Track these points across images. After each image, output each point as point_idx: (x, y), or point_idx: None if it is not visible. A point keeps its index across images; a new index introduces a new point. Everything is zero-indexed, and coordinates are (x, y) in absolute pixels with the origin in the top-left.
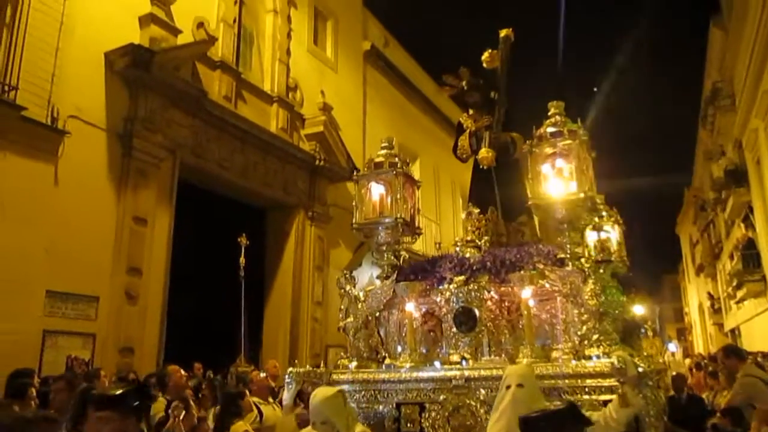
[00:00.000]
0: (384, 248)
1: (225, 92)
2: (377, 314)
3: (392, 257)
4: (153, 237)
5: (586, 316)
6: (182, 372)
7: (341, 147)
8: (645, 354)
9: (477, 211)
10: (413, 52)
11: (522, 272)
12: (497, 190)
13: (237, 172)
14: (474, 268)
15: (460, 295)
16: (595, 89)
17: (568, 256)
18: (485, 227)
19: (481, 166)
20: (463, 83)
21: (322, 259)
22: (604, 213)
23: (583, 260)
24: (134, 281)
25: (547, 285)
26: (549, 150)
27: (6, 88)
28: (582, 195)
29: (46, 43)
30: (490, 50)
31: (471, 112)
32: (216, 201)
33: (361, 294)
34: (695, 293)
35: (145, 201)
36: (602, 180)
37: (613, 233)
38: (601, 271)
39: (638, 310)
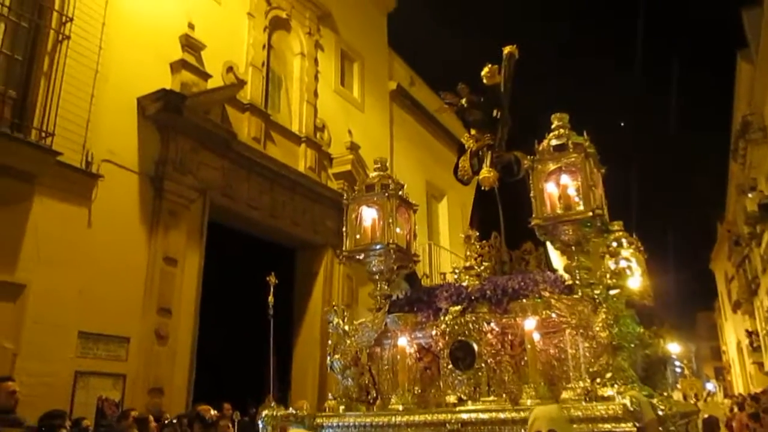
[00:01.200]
0: (377, 278)
1: (254, 134)
2: (368, 350)
3: (385, 287)
4: (183, 277)
5: (598, 350)
6: (213, 411)
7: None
8: (668, 393)
9: (476, 235)
10: (438, 89)
11: (524, 301)
12: (501, 214)
13: (266, 212)
14: (472, 297)
15: (457, 327)
16: (621, 124)
17: (577, 282)
18: (488, 254)
19: (482, 188)
20: (463, 101)
21: (351, 298)
22: (624, 240)
23: (593, 287)
24: (164, 321)
25: (554, 315)
26: (552, 165)
27: (43, 134)
28: (590, 214)
29: (81, 91)
30: (489, 65)
31: (473, 131)
32: (245, 241)
33: (350, 328)
34: (732, 331)
35: (176, 241)
36: (629, 215)
37: (633, 262)
38: (615, 299)
39: (673, 348)
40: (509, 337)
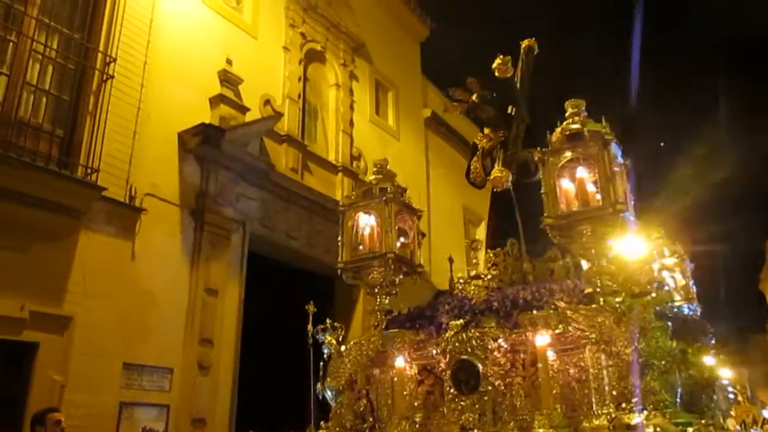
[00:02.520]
0: (376, 290)
1: (292, 164)
2: (365, 373)
3: (385, 301)
4: (224, 308)
5: (622, 369)
6: None
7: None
8: (717, 421)
9: (481, 240)
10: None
11: (534, 313)
12: (519, 219)
13: (304, 241)
14: (476, 310)
15: (458, 344)
16: (662, 144)
17: (598, 290)
18: (503, 263)
19: (495, 189)
20: (473, 97)
21: None
22: (665, 249)
23: (616, 296)
24: (206, 352)
25: (572, 329)
26: (566, 158)
27: (89, 170)
28: (610, 210)
29: (125, 127)
30: (501, 56)
31: (486, 131)
32: (284, 270)
33: (345, 348)
34: None
35: (217, 272)
36: (677, 234)
37: (676, 273)
38: (642, 308)
39: (725, 373)
40: (521, 355)
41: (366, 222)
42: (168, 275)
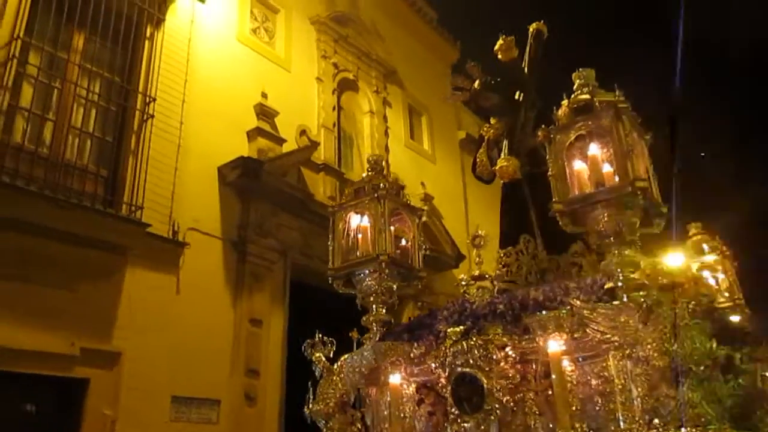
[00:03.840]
0: (371, 299)
1: (329, 192)
2: (360, 392)
3: (382, 311)
4: (269, 337)
5: (653, 377)
6: None
7: (445, 235)
8: None
9: (483, 234)
10: None
11: (543, 314)
12: (533, 212)
13: None
14: (478, 315)
15: (457, 355)
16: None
17: (620, 285)
18: (516, 263)
19: (502, 181)
20: (475, 84)
21: None
22: (705, 245)
23: (642, 291)
24: (252, 383)
25: (591, 332)
26: (575, 133)
27: (133, 208)
28: (629, 189)
29: (166, 164)
30: (504, 37)
31: (493, 121)
32: (326, 297)
33: (337, 366)
34: None
35: (260, 303)
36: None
37: (719, 272)
38: (674, 303)
39: None
40: (533, 366)
41: (358, 224)
42: (213, 307)
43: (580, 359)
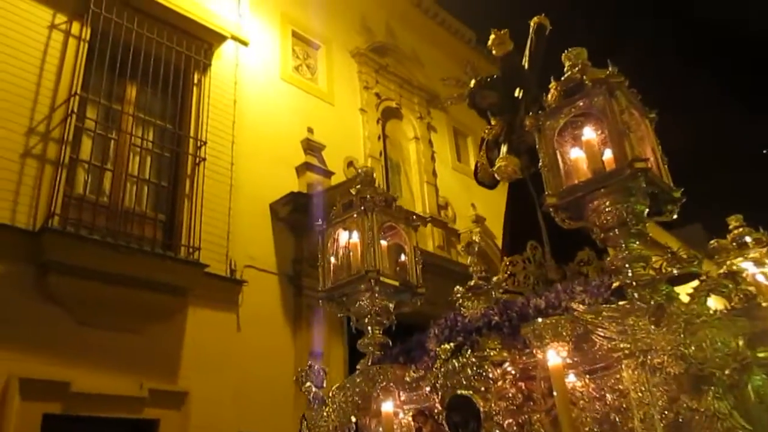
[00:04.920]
0: (366, 321)
1: None
2: (355, 422)
3: (378, 333)
4: (330, 371)
5: (671, 387)
6: None
7: (499, 256)
8: None
9: (478, 240)
10: None
11: (539, 321)
12: (540, 216)
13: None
14: (470, 328)
15: (449, 375)
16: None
17: (630, 281)
18: (522, 272)
19: (500, 180)
20: (471, 83)
21: None
22: (747, 238)
23: (654, 288)
24: None
25: (598, 340)
26: (567, 116)
27: (191, 249)
28: (627, 172)
29: (220, 205)
30: (495, 31)
31: (493, 121)
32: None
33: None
34: None
35: (319, 336)
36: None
37: (764, 266)
38: (691, 298)
39: None
40: (540, 384)
41: (347, 240)
42: (273, 342)
43: (590, 372)
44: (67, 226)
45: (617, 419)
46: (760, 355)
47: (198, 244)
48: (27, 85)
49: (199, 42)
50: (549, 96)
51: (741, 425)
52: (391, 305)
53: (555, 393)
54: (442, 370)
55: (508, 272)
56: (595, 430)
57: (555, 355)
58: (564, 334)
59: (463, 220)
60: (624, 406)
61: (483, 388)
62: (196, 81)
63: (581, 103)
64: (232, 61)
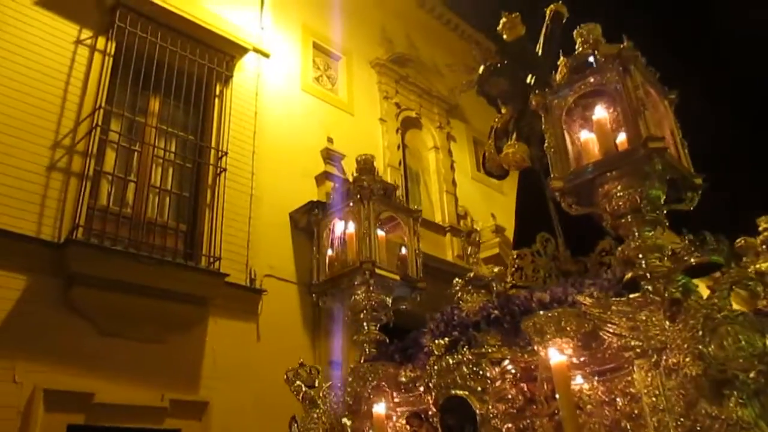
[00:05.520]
0: (361, 316)
1: None
2: (348, 424)
3: (374, 330)
4: None
5: (688, 391)
6: None
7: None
8: None
9: (480, 229)
10: None
11: (541, 314)
12: (552, 207)
13: (422, 304)
14: (467, 323)
15: (443, 374)
16: None
17: (643, 273)
18: (531, 266)
19: (507, 170)
20: (480, 69)
21: None
22: None
23: (670, 280)
24: None
25: (608, 338)
26: (575, 95)
27: (212, 259)
28: (641, 152)
29: (240, 215)
30: (506, 14)
31: (504, 110)
32: (400, 334)
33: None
34: None
35: (338, 344)
36: None
37: None
38: (714, 292)
39: None
40: (543, 385)
41: (343, 231)
42: (292, 351)
43: (599, 374)
44: (91, 238)
45: (628, 426)
46: None
47: (219, 254)
48: (53, 99)
49: (221, 54)
50: (558, 73)
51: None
52: (389, 300)
53: (557, 395)
54: (436, 368)
55: (516, 266)
56: None
57: (558, 353)
58: (568, 329)
59: (483, 231)
60: (636, 412)
61: (480, 389)
62: (218, 93)
63: (592, 80)
64: (253, 72)
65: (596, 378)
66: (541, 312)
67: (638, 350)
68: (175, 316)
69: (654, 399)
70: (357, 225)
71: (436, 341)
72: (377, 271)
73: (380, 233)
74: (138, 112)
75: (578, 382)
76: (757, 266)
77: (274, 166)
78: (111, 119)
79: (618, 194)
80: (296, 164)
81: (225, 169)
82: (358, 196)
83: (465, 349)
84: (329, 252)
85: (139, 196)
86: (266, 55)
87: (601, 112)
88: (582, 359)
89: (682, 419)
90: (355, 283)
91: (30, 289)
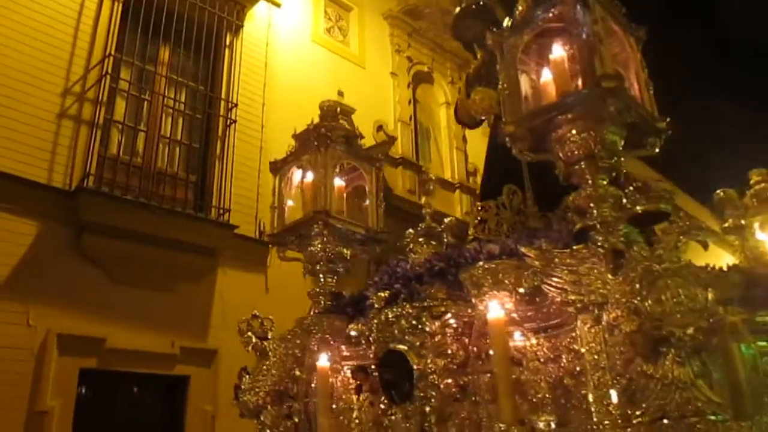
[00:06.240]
0: (318, 268)
1: (409, 186)
2: (299, 379)
3: (330, 281)
4: None
5: (627, 350)
6: None
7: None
8: None
9: (434, 177)
10: None
11: (480, 265)
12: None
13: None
14: (410, 275)
15: (381, 327)
16: None
17: (593, 223)
18: (497, 219)
19: (476, 118)
20: (456, 11)
21: None
22: None
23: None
24: None
25: (552, 291)
26: (531, 32)
27: (221, 211)
28: (595, 91)
29: (249, 167)
30: None
31: (479, 55)
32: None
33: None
34: None
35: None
36: None
37: None
38: (662, 242)
39: None
40: (482, 340)
41: (301, 180)
42: (299, 304)
43: (544, 330)
44: (102, 186)
45: (571, 385)
46: (759, 319)
47: (228, 206)
48: (63, 46)
49: (231, 3)
50: (517, 8)
51: (705, 397)
52: (347, 252)
53: (492, 351)
54: (375, 321)
55: (479, 218)
56: (548, 396)
57: (498, 307)
58: (506, 282)
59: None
60: (578, 369)
61: (418, 343)
62: (228, 43)
63: (550, 15)
64: (264, 22)
65: (542, 334)
66: (479, 263)
67: (579, 305)
68: (185, 265)
69: (596, 356)
70: (315, 173)
71: (378, 294)
72: (331, 221)
73: (340, 182)
74: (148, 60)
75: (522, 338)
76: (744, 221)
77: (284, 119)
78: (121, 67)
79: (572, 139)
80: (306, 117)
81: (235, 121)
82: (315, 143)
83: (404, 303)
84: (290, 202)
85: (149, 145)
86: (277, 5)
87: (558, 51)
88: (529, 314)
89: (618, 377)
90: (312, 233)
91: (42, 235)
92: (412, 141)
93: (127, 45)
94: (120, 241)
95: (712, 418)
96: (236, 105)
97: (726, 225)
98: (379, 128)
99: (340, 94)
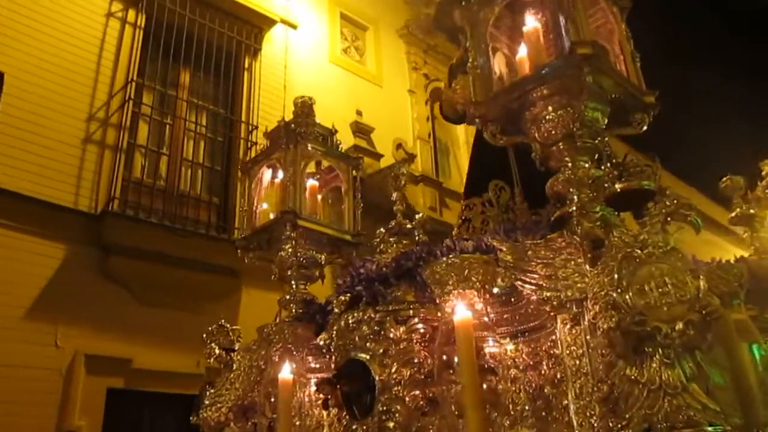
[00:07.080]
0: (288, 274)
1: (429, 203)
2: (264, 393)
3: (302, 288)
4: None
5: (607, 353)
6: None
7: None
8: None
9: (405, 171)
10: None
11: (444, 260)
12: (511, 153)
13: None
14: (373, 277)
15: (341, 334)
16: None
17: (574, 209)
18: (482, 217)
19: (459, 110)
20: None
21: None
22: None
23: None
24: None
25: (524, 289)
26: (503, 2)
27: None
28: (569, 60)
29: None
30: None
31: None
32: None
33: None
34: None
35: None
36: None
37: None
38: (646, 226)
39: None
40: (448, 347)
41: (270, 180)
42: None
43: (522, 333)
44: (127, 209)
45: (552, 395)
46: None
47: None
48: (87, 73)
49: (249, 26)
50: None
51: (700, 404)
52: (321, 257)
53: (456, 359)
54: (335, 328)
55: (463, 218)
56: (527, 408)
57: (463, 308)
58: (473, 279)
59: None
60: (559, 376)
61: (380, 351)
62: (246, 65)
63: None
64: (281, 44)
65: (520, 338)
66: (444, 258)
67: (555, 302)
68: (210, 286)
69: (577, 361)
70: (284, 173)
71: (338, 298)
72: (301, 222)
73: (313, 182)
74: (169, 85)
75: (496, 343)
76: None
77: None
78: (143, 92)
79: (548, 117)
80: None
81: (255, 143)
82: (285, 140)
83: (365, 307)
84: (265, 205)
85: (172, 168)
86: (294, 27)
87: (531, 22)
88: (505, 317)
89: (599, 384)
90: (282, 237)
91: (69, 258)
92: (431, 158)
93: (148, 70)
94: (145, 263)
95: (709, 429)
96: (256, 127)
97: (733, 215)
98: (399, 146)
99: (359, 113)
